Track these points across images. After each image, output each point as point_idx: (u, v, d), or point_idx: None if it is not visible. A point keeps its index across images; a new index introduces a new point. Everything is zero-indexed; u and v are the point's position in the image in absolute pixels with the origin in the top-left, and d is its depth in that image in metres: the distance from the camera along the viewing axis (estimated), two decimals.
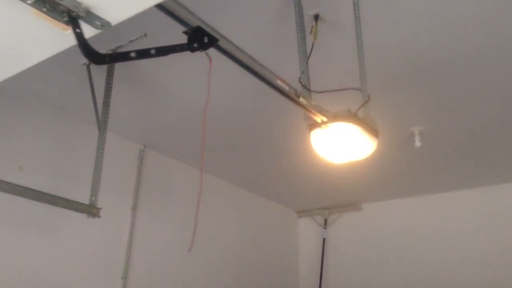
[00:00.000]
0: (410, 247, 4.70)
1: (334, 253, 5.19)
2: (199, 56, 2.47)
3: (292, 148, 3.68)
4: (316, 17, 2.18)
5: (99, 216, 2.39)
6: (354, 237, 5.11)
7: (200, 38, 1.45)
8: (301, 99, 1.73)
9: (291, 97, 1.71)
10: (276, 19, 2.19)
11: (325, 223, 5.26)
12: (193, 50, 1.47)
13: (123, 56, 1.39)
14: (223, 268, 4.32)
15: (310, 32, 2.15)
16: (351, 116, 1.80)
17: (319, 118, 1.82)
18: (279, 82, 1.66)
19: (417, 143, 3.26)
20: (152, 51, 1.45)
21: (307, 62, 2.03)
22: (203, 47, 1.47)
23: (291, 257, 5.35)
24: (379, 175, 4.19)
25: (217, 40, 1.47)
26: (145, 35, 2.33)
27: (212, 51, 1.56)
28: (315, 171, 4.08)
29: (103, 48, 2.47)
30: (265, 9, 2.15)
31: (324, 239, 5.19)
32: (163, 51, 1.51)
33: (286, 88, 1.69)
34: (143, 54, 1.44)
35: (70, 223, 3.07)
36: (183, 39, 2.32)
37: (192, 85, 2.80)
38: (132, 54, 1.39)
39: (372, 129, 1.92)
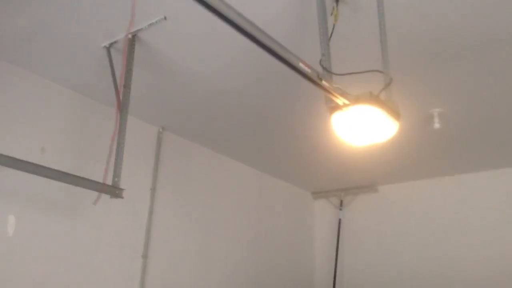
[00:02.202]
0: (426, 229, 4.71)
1: (350, 234, 5.23)
2: (219, 38, 2.48)
3: (309, 130, 3.69)
4: None
5: (122, 197, 2.44)
6: (370, 218, 5.14)
7: None
8: (323, 82, 1.73)
9: (313, 80, 1.71)
10: (296, 0, 2.18)
11: (341, 205, 5.29)
12: None
13: None
14: (239, 247, 4.39)
15: (331, 14, 2.14)
16: (373, 98, 1.80)
17: (340, 100, 1.82)
18: (301, 65, 1.66)
19: (436, 125, 3.24)
20: None
21: (328, 44, 2.02)
22: None
23: (306, 237, 5.41)
24: (396, 157, 4.19)
25: None
26: (165, 18, 2.34)
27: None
28: (331, 153, 4.10)
29: (122, 32, 2.49)
30: None
31: (339, 220, 5.23)
32: None
33: (308, 71, 1.69)
34: None
35: (91, 204, 3.13)
36: (204, 23, 2.34)
37: (212, 66, 2.81)
38: None
39: (394, 112, 1.92)
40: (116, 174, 2.48)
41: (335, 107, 1.88)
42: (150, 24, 2.40)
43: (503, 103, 3.10)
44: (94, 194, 2.51)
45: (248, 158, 4.48)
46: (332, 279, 5.06)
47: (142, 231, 3.47)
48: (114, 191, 2.40)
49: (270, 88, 3.06)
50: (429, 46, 2.49)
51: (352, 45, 2.49)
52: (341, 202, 5.30)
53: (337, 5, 2.12)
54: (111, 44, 2.62)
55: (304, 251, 5.32)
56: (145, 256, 3.42)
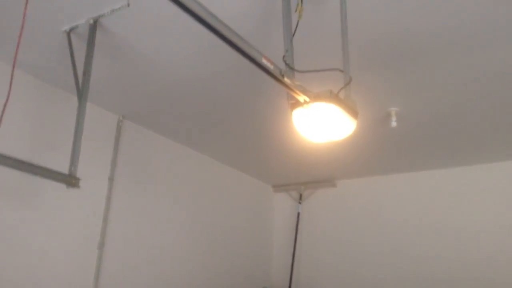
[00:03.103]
0: (382, 223, 4.85)
1: (308, 227, 5.32)
2: (182, 28, 2.46)
3: (270, 123, 3.72)
4: None
5: (78, 186, 2.39)
6: (328, 212, 5.24)
7: None
8: (285, 79, 1.75)
9: (275, 76, 1.73)
10: None
11: (300, 198, 5.37)
12: None
13: None
14: (199, 239, 4.39)
15: (296, 11, 2.16)
16: (333, 96, 1.84)
17: (301, 97, 1.85)
18: (264, 61, 1.67)
19: (393, 124, 3.33)
20: None
21: (291, 41, 2.04)
22: None
23: (265, 230, 5.46)
24: (354, 153, 4.29)
25: None
26: (128, 4, 2.30)
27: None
28: (292, 147, 4.15)
29: (84, 16, 2.43)
30: None
31: (298, 213, 5.31)
32: None
33: (271, 67, 1.71)
34: None
35: (47, 193, 3.06)
36: (167, 11, 2.31)
37: (174, 56, 2.78)
38: None
39: (352, 110, 1.97)
40: (73, 163, 2.42)
41: (296, 104, 1.92)
42: (113, 10, 2.35)
43: (458, 103, 3.22)
44: (50, 182, 2.45)
45: (209, 149, 4.47)
46: (289, 272, 5.15)
47: (99, 221, 3.42)
48: (70, 180, 2.35)
49: (232, 81, 3.06)
50: (388, 48, 2.55)
51: (315, 43, 2.53)
52: (301, 195, 5.38)
53: (301, 2, 2.14)
54: (71, 29, 2.55)
55: (263, 242, 5.38)
56: (101, 246, 3.37)
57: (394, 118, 3.34)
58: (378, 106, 3.31)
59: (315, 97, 1.84)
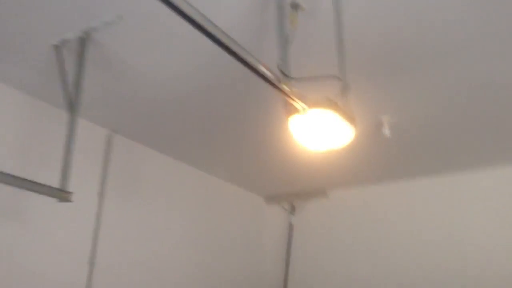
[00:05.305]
0: (375, 233, 4.83)
1: (301, 238, 5.28)
2: (175, 41, 2.44)
3: (261, 135, 3.70)
4: (294, 6, 2.19)
5: (70, 201, 2.34)
6: (321, 223, 5.21)
7: None
8: (282, 85, 1.74)
9: (273, 83, 1.72)
10: (256, 6, 2.19)
11: (293, 210, 5.34)
12: None
13: None
14: (190, 254, 4.32)
15: (289, 20, 2.16)
16: (331, 103, 1.83)
17: (299, 104, 1.84)
18: (262, 68, 1.66)
19: (386, 132, 3.33)
20: None
21: (286, 49, 2.04)
22: None
23: (258, 242, 5.41)
24: (346, 162, 4.28)
25: None
26: (121, 17, 2.28)
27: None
28: (283, 158, 4.13)
29: (75, 29, 2.40)
30: None
31: (291, 225, 5.28)
32: None
33: (268, 73, 1.70)
34: None
35: (36, 208, 3.00)
36: (161, 24, 2.30)
37: (166, 70, 2.76)
38: None
39: (350, 117, 1.96)
40: (64, 177, 2.38)
41: (293, 111, 1.90)
42: (105, 23, 2.33)
43: (451, 111, 3.24)
44: (39, 197, 2.40)
45: (201, 163, 4.43)
46: (283, 284, 5.09)
47: (89, 236, 3.35)
48: (62, 194, 2.30)
49: (223, 95, 3.04)
50: (380, 56, 2.56)
51: (308, 51, 2.53)
52: (293, 207, 5.36)
53: (296, 11, 2.15)
54: (61, 43, 2.52)
55: (255, 254, 5.32)
56: (91, 263, 3.30)
57: (387, 127, 3.34)
58: (370, 114, 3.31)
59: (313, 103, 1.83)
